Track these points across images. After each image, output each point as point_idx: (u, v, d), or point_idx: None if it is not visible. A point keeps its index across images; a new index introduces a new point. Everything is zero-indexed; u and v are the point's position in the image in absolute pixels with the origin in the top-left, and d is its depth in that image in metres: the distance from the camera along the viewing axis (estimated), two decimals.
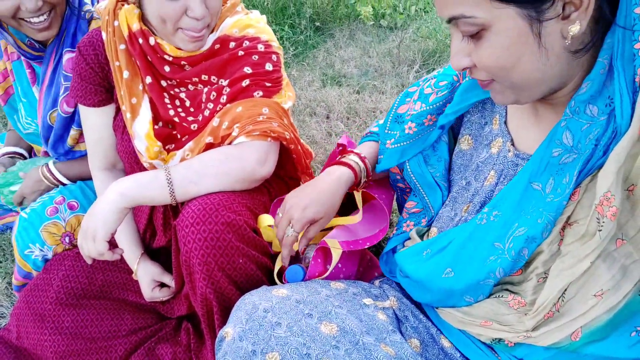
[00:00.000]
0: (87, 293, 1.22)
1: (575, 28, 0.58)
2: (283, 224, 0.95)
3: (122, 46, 1.06)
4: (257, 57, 1.05)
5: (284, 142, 1.05)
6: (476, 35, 0.63)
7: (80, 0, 1.28)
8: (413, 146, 0.95)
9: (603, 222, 0.61)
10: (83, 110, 1.17)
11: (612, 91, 0.63)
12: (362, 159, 1.00)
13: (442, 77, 0.94)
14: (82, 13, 1.28)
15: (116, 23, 1.06)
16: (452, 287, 0.76)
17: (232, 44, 1.06)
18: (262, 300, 0.79)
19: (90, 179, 1.28)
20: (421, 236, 0.92)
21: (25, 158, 1.59)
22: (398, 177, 1.05)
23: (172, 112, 1.09)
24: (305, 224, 0.94)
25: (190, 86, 1.09)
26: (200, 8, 0.94)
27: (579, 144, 0.65)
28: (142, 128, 1.06)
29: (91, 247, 0.97)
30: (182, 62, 1.05)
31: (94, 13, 1.29)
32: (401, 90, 2.20)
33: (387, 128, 1.00)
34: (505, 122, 0.82)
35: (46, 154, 1.48)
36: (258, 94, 1.04)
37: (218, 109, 1.06)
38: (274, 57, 1.07)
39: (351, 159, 1.00)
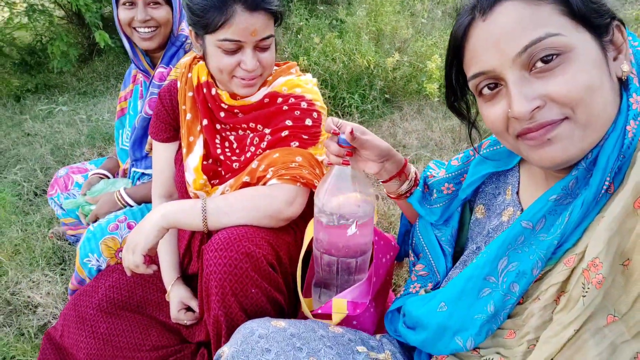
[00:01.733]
0: (125, 305, 1.35)
1: (626, 67, 0.64)
2: None
3: (190, 94, 1.25)
4: (299, 112, 1.18)
5: (313, 189, 1.15)
6: (550, 64, 0.61)
7: (182, 35, 1.58)
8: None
9: (588, 288, 0.61)
10: (154, 144, 1.37)
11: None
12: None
13: (467, 151, 1.00)
14: (184, 43, 1.58)
15: (189, 75, 1.26)
16: (445, 322, 0.78)
17: (279, 99, 1.20)
18: (260, 327, 0.86)
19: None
20: None
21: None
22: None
23: (219, 151, 1.25)
24: None
25: (239, 131, 1.24)
26: (251, 62, 1.09)
27: (579, 190, 0.67)
28: (193, 162, 1.22)
29: (130, 258, 1.10)
30: (235, 110, 1.21)
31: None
32: None
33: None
34: (517, 193, 0.84)
35: (124, 174, 1.72)
36: (294, 144, 1.17)
37: (258, 153, 1.19)
38: (314, 114, 1.20)
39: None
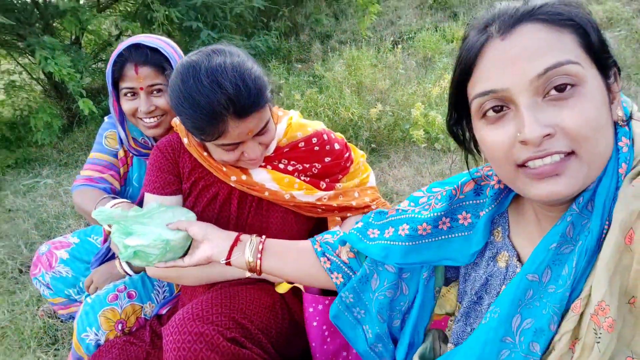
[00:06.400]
0: None
1: (620, 112, 0.64)
2: None
3: (206, 153, 1.21)
4: (328, 146, 1.30)
5: None
6: (563, 94, 0.61)
7: None
8: (409, 250, 0.89)
9: (600, 333, 0.58)
10: (152, 199, 1.25)
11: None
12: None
13: (436, 184, 0.94)
14: None
15: None
16: None
17: (301, 144, 1.27)
18: None
19: None
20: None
21: None
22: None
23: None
24: None
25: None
26: (254, 153, 1.10)
27: (578, 236, 0.66)
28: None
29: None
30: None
31: None
32: None
33: (372, 219, 0.99)
34: (508, 236, 0.81)
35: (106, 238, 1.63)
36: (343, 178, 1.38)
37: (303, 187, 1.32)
38: (335, 138, 1.34)
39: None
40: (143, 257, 1.03)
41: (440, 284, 0.93)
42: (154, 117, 1.44)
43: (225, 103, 0.98)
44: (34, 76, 5.02)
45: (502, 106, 0.65)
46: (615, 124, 0.67)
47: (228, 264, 1.02)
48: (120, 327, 1.37)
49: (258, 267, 1.02)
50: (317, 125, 1.33)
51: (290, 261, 1.03)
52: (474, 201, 0.86)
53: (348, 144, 1.40)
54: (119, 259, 1.50)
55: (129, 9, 5.20)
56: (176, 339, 0.98)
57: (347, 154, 1.36)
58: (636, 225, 0.57)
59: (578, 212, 0.66)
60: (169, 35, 5.38)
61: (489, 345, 0.71)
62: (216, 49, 1.06)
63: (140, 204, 1.57)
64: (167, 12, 4.01)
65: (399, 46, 4.86)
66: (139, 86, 1.40)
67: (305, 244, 1.05)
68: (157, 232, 1.04)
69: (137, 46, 1.39)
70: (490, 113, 0.67)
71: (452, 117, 0.79)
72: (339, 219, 1.63)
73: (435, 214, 0.87)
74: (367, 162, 3.00)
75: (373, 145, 3.17)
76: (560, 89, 0.61)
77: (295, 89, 3.73)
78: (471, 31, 0.70)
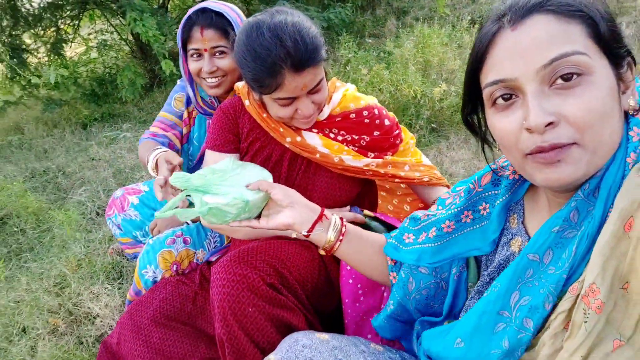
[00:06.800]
0: (177, 317, 1.42)
1: (632, 101, 0.65)
2: None
3: (265, 114, 1.32)
4: (378, 121, 1.36)
5: None
6: (569, 83, 0.63)
7: None
8: (438, 249, 0.95)
9: (589, 313, 0.60)
10: (213, 156, 1.38)
11: None
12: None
13: (460, 184, 0.98)
14: None
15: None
16: (463, 358, 0.77)
17: (352, 115, 1.34)
18: (305, 338, 0.90)
19: None
20: None
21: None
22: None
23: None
24: None
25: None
26: (307, 109, 1.20)
27: (583, 222, 0.67)
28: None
29: None
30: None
31: None
32: None
33: (408, 224, 1.05)
34: (522, 222, 0.83)
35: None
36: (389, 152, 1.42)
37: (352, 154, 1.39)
38: (385, 115, 1.40)
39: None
40: (219, 215, 1.01)
41: (474, 280, 0.96)
42: (215, 77, 1.55)
43: (283, 56, 1.08)
44: (123, 37, 5.40)
45: (511, 94, 0.68)
46: (627, 113, 0.68)
47: (306, 235, 1.03)
48: (174, 268, 1.54)
49: (335, 248, 1.04)
50: (371, 100, 1.40)
51: (363, 251, 1.08)
52: (493, 192, 0.90)
53: (399, 124, 1.45)
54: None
55: None
56: (222, 277, 1.09)
57: (396, 131, 1.40)
58: (636, 214, 0.58)
59: (583, 199, 0.68)
60: (248, 3, 5.53)
61: (486, 316, 0.75)
62: (279, 9, 1.17)
63: (200, 161, 1.72)
64: None
65: (476, 25, 4.67)
66: (204, 47, 1.52)
67: (380, 238, 1.10)
68: (238, 191, 1.02)
69: (203, 10, 1.51)
70: (500, 101, 0.69)
71: (467, 107, 0.82)
72: (384, 193, 1.68)
73: (456, 210, 0.92)
74: (425, 141, 3.02)
75: (433, 125, 3.14)
76: (567, 78, 0.62)
77: (363, 64, 3.74)
78: (487, 21, 0.72)
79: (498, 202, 0.87)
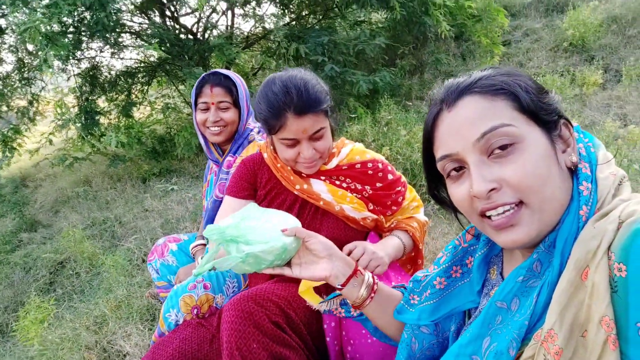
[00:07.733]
0: (194, 356, 1.49)
1: (574, 158, 0.71)
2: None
3: (279, 164, 1.50)
4: (381, 174, 1.49)
5: None
6: (505, 151, 0.70)
7: (248, 129, 1.93)
8: (436, 307, 0.99)
9: (548, 359, 0.63)
10: (229, 201, 1.56)
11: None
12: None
13: (452, 242, 1.02)
14: (249, 135, 1.92)
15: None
16: None
17: (357, 166, 1.47)
18: None
19: None
20: None
21: None
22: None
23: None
24: None
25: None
26: (307, 153, 1.35)
27: (545, 272, 0.71)
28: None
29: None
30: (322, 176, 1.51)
31: (256, 138, 1.92)
32: None
33: (412, 285, 1.08)
34: (501, 273, 0.88)
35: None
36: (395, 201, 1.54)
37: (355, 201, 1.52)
38: (389, 170, 1.52)
39: None
40: (255, 262, 0.98)
41: None
42: (218, 126, 1.84)
43: (288, 101, 1.28)
44: (187, 100, 5.90)
45: (460, 167, 0.77)
46: (577, 168, 0.73)
47: (339, 289, 1.04)
48: (195, 312, 1.64)
49: (365, 305, 1.06)
50: (377, 155, 1.53)
51: (388, 310, 1.08)
52: (475, 246, 0.95)
53: (407, 184, 1.55)
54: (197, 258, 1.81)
55: (269, 45, 5.85)
56: (231, 314, 1.19)
57: (398, 188, 1.49)
58: (591, 264, 0.62)
59: (544, 250, 0.73)
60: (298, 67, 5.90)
61: (460, 358, 0.79)
62: (295, 69, 1.39)
63: (212, 222, 1.88)
64: (297, 48, 4.48)
65: None
66: (211, 101, 1.82)
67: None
68: (274, 237, 0.99)
69: (215, 73, 1.84)
70: (453, 172, 0.78)
71: (432, 183, 0.90)
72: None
73: (445, 266, 0.98)
74: (439, 211, 3.01)
75: None
76: (503, 147, 0.70)
77: (402, 125, 3.86)
78: (432, 103, 0.83)
79: (477, 255, 0.92)
